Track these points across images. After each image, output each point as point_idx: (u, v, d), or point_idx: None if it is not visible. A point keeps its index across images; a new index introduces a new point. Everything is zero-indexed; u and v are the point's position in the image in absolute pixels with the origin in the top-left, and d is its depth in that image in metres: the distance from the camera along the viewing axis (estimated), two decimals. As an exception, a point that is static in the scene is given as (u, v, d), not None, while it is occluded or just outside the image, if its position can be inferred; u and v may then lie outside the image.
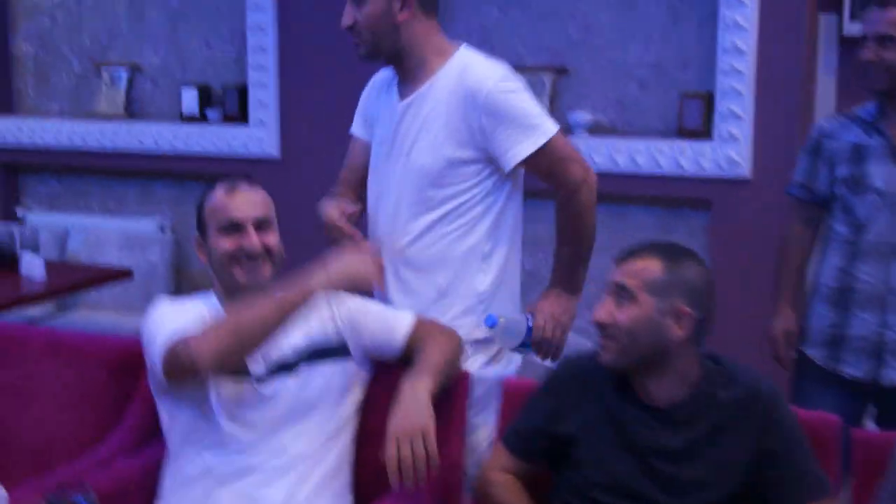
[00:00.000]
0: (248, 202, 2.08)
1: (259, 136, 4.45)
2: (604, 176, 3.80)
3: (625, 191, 3.86)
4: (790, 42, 3.53)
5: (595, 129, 3.90)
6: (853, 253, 2.66)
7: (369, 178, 2.41)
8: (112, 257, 4.58)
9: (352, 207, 2.42)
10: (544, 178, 2.31)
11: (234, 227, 2.05)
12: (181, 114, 4.64)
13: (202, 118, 4.60)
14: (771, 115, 3.58)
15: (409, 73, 2.29)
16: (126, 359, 2.35)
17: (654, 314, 1.85)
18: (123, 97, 4.81)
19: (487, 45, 4.04)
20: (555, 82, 3.97)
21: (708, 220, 3.78)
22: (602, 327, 1.89)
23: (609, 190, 3.83)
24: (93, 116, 4.86)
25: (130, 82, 4.82)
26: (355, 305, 2.16)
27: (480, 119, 2.21)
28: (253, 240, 2.05)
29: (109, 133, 4.74)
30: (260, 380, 2.03)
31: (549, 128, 2.25)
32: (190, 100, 4.61)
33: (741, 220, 3.68)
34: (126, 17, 4.81)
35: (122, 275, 4.07)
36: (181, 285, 4.74)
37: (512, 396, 2.12)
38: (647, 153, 3.75)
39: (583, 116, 3.89)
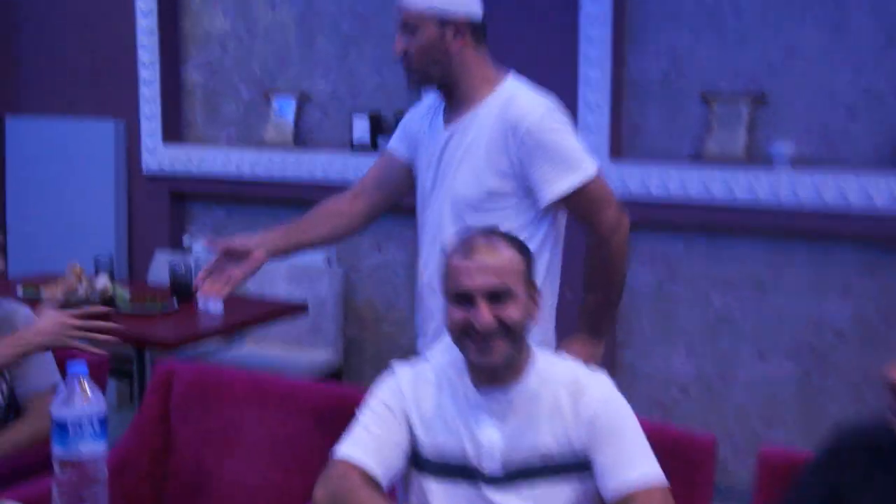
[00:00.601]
0: (482, 269, 1.82)
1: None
2: (808, 213, 3.59)
3: (831, 228, 3.57)
4: None
5: (798, 161, 3.63)
6: None
7: (417, 205, 2.41)
8: (280, 290, 4.51)
9: (242, 244, 2.40)
10: (580, 218, 2.28)
11: (465, 298, 1.83)
12: (352, 142, 4.55)
13: (373, 147, 4.50)
14: None
15: (457, 101, 2.30)
16: (333, 406, 2.22)
17: None
18: (292, 126, 4.75)
19: (676, 70, 3.84)
20: (752, 110, 3.71)
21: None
22: None
23: (814, 227, 3.60)
24: (261, 145, 4.82)
25: (299, 110, 4.76)
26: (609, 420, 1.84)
27: (520, 152, 2.20)
28: (484, 316, 1.80)
29: (277, 162, 4.68)
30: (494, 482, 1.82)
31: (588, 168, 2.22)
32: (361, 128, 4.51)
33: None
34: (296, 44, 4.76)
35: (297, 309, 3.98)
36: (349, 319, 4.64)
37: (772, 468, 1.88)
38: (858, 187, 3.45)
39: (784, 147, 3.62)
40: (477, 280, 1.81)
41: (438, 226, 2.32)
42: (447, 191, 2.30)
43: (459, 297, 1.83)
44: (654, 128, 3.95)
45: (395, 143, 2.49)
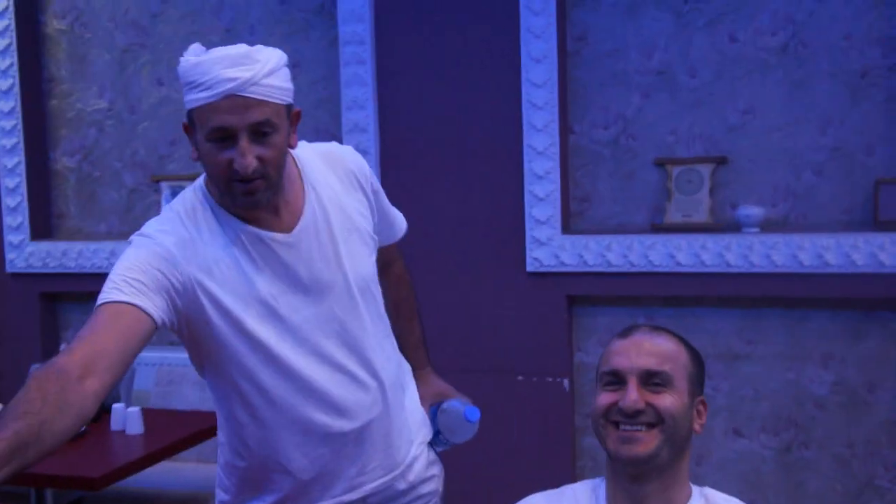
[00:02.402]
0: (639, 348, 1.63)
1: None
2: (785, 277, 3.43)
3: (808, 292, 3.41)
4: None
5: (766, 225, 3.46)
6: None
7: (263, 364, 1.85)
8: (189, 398, 3.98)
9: None
10: (390, 252, 2.16)
11: (616, 381, 1.63)
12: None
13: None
14: None
15: (276, 202, 1.85)
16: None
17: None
18: (187, 213, 4.25)
19: (627, 136, 3.63)
20: (713, 174, 3.53)
21: (910, 321, 3.36)
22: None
23: (792, 293, 3.43)
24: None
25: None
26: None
27: (373, 196, 2.02)
28: (631, 395, 1.59)
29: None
30: None
31: None
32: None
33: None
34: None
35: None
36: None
37: None
38: (837, 249, 3.30)
39: (752, 211, 3.44)
40: (634, 360, 1.62)
41: (355, 336, 1.93)
42: (342, 288, 1.91)
43: (610, 378, 1.63)
44: (606, 196, 3.71)
45: (142, 299, 1.72)
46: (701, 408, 1.68)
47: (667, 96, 3.60)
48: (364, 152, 3.86)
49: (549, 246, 3.65)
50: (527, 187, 3.66)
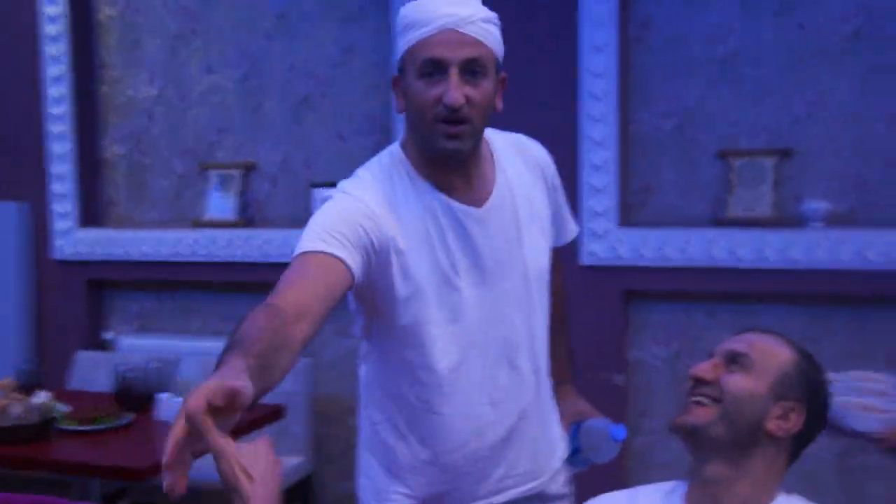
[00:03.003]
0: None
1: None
2: (852, 274, 3.31)
3: (876, 290, 3.28)
4: None
5: (833, 220, 3.34)
6: None
7: (434, 339, 1.81)
8: (236, 387, 3.92)
9: (239, 383, 1.19)
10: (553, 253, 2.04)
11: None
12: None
13: (337, 222, 4.00)
14: None
15: (467, 171, 1.83)
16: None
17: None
18: (235, 201, 4.21)
19: (690, 127, 3.52)
20: (777, 166, 3.41)
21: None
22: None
23: (858, 290, 3.30)
24: (199, 224, 4.25)
25: (244, 184, 4.22)
26: None
27: (554, 194, 1.99)
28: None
29: (222, 242, 4.13)
30: None
31: None
32: (323, 201, 4.00)
33: None
34: (238, 110, 4.23)
35: (273, 414, 3.42)
36: (315, 417, 4.09)
37: None
38: (907, 244, 3.18)
39: (818, 205, 3.32)
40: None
41: (525, 325, 1.89)
42: (521, 275, 1.87)
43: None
44: (667, 188, 3.61)
45: (345, 253, 1.68)
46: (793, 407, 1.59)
47: (731, 86, 3.49)
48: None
49: (605, 239, 3.55)
50: (584, 178, 3.56)
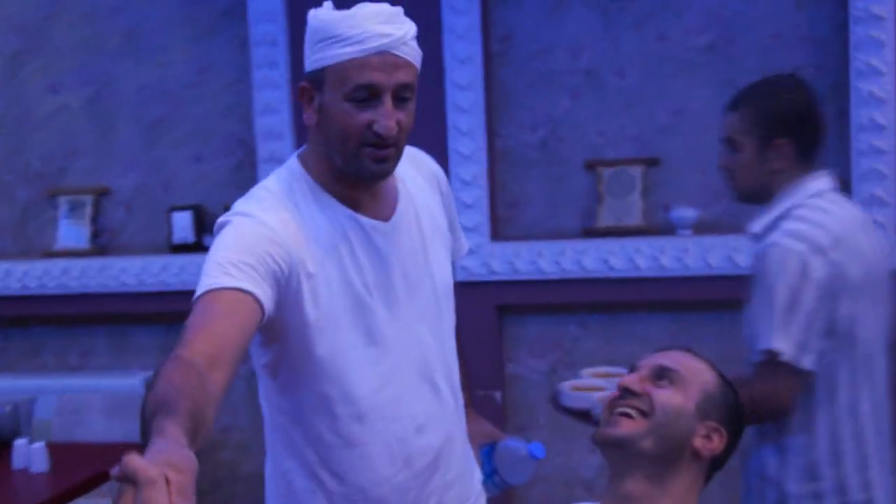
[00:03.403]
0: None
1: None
2: (721, 279, 3.37)
3: (749, 295, 3.34)
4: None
5: (700, 227, 3.39)
6: None
7: (353, 366, 1.70)
8: (95, 426, 3.71)
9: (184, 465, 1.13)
10: None
11: None
12: (171, 243, 3.86)
13: (198, 247, 3.84)
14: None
15: (374, 188, 1.74)
16: None
17: None
18: (88, 228, 3.98)
19: (556, 138, 3.52)
20: (645, 175, 3.45)
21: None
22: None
23: (727, 295, 3.36)
24: (47, 254, 4.01)
25: (96, 210, 4.00)
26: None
27: (449, 204, 1.93)
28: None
29: (74, 272, 3.90)
30: None
31: None
32: (182, 226, 3.84)
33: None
34: (87, 132, 4.01)
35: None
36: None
37: None
38: (772, 249, 3.25)
39: (686, 213, 3.37)
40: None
41: (436, 348, 1.79)
42: (429, 291, 1.78)
43: None
44: (536, 201, 3.60)
45: (254, 285, 1.54)
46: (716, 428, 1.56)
47: (595, 97, 3.51)
48: (279, 161, 3.67)
49: (477, 254, 3.51)
50: (454, 194, 3.51)
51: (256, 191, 1.70)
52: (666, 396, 1.52)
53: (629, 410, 1.52)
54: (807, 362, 1.97)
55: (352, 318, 1.68)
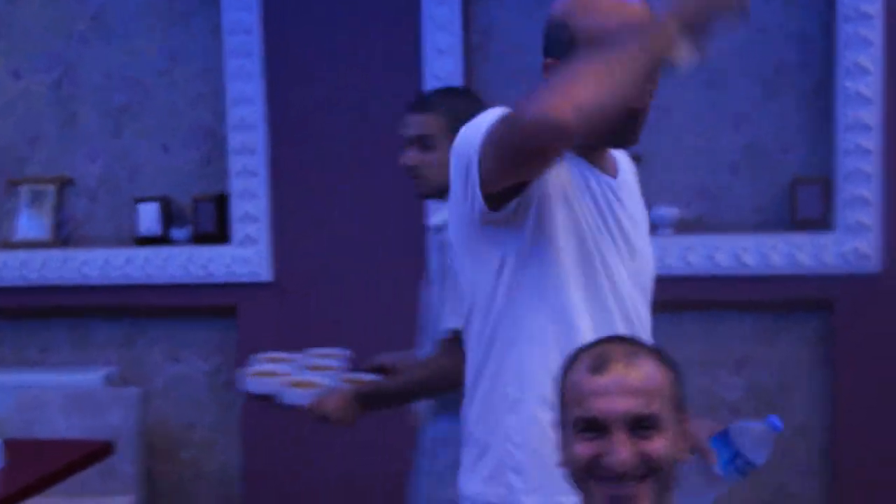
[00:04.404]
0: (619, 389, 1.35)
1: (245, 256, 3.62)
2: (701, 279, 3.31)
3: (724, 295, 3.30)
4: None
5: (681, 226, 3.33)
6: None
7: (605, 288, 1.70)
8: (57, 424, 3.58)
9: None
10: None
11: (596, 428, 1.35)
12: (136, 235, 3.74)
13: (165, 239, 3.72)
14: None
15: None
16: None
17: None
18: (50, 219, 3.85)
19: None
20: (625, 174, 3.38)
21: (826, 323, 3.28)
22: None
23: (705, 294, 3.31)
24: (7, 245, 3.87)
25: (59, 200, 3.87)
26: None
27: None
28: (623, 456, 1.33)
29: (34, 264, 3.77)
30: None
31: None
32: (149, 217, 3.72)
33: (869, 321, 3.19)
34: (51, 120, 3.87)
35: (104, 452, 3.10)
36: (156, 459, 3.79)
37: None
38: (755, 250, 3.20)
39: (667, 212, 3.31)
40: (614, 404, 1.34)
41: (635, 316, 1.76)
42: (643, 255, 1.80)
43: (586, 426, 1.35)
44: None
45: None
46: (685, 427, 1.45)
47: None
48: (252, 151, 3.58)
49: (453, 251, 3.43)
50: (429, 189, 3.43)
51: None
52: (660, 448, 1.36)
53: (633, 482, 1.35)
54: None
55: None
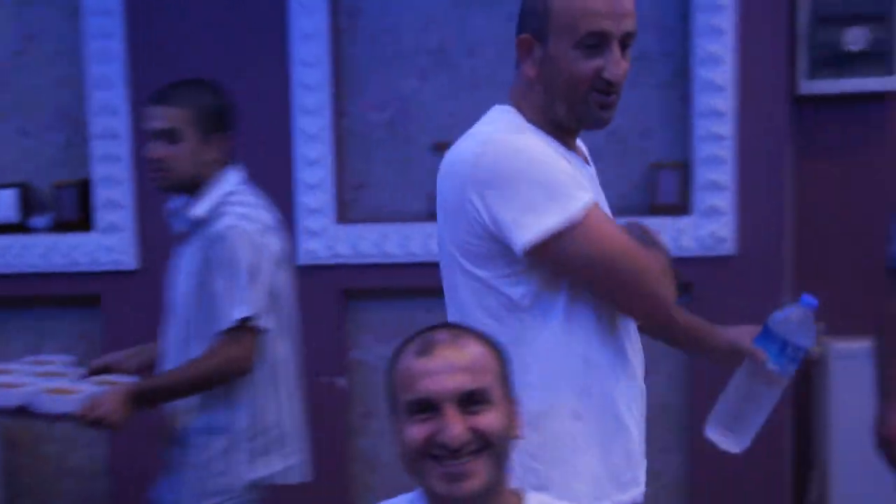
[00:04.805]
0: (447, 367, 1.39)
1: (109, 243, 3.53)
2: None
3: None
4: (773, 102, 3.23)
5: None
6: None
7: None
8: None
9: None
10: None
11: (426, 408, 1.39)
12: (-8, 223, 3.62)
13: (23, 228, 3.60)
14: (755, 184, 3.24)
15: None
16: None
17: None
18: None
19: (405, 120, 3.47)
20: (492, 159, 3.42)
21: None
22: None
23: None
24: None
25: None
26: None
27: None
28: (456, 431, 1.37)
29: None
30: None
31: None
32: (5, 204, 3.59)
33: (726, 302, 3.30)
34: None
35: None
36: (16, 454, 3.67)
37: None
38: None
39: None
40: (443, 382, 1.36)
41: None
42: None
43: (418, 408, 1.39)
44: (382, 183, 3.52)
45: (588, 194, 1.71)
46: (514, 408, 1.49)
47: (445, 77, 3.46)
48: (115, 136, 3.50)
49: (322, 236, 3.42)
50: (297, 174, 3.41)
51: (486, 132, 1.72)
52: (493, 422, 1.39)
53: (470, 458, 1.38)
54: (267, 323, 2.33)
55: None
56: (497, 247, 1.62)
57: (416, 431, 1.38)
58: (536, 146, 1.63)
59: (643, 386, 1.84)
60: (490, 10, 3.42)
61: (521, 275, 1.62)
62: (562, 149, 1.71)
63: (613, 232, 1.62)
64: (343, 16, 3.48)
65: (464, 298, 1.69)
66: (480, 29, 3.43)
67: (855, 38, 3.23)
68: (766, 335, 1.79)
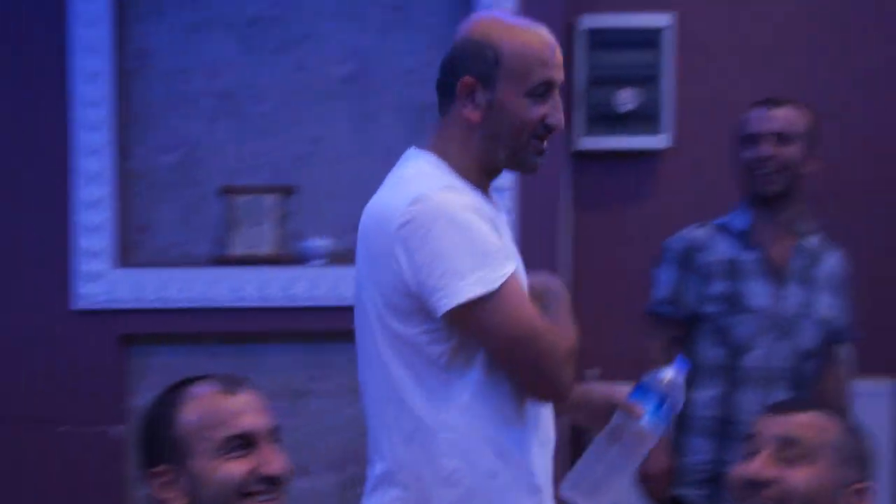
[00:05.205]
0: (256, 405, 1.50)
1: None
2: (350, 309, 3.37)
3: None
4: (552, 156, 3.35)
5: (335, 258, 3.40)
6: (732, 380, 2.49)
7: None
8: None
9: None
10: None
11: (244, 444, 1.44)
12: None
13: None
14: (535, 233, 3.36)
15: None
16: None
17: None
18: None
19: (191, 163, 3.45)
20: (280, 204, 3.42)
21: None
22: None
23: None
24: None
25: None
26: None
27: None
28: (279, 460, 1.48)
29: None
30: None
31: None
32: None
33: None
34: None
35: None
36: None
37: None
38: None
39: (318, 243, 3.38)
40: (261, 417, 1.46)
41: None
42: None
43: (238, 444, 1.42)
44: (167, 227, 3.46)
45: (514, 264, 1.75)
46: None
47: (232, 122, 3.44)
48: None
49: (101, 281, 3.32)
50: (76, 216, 3.31)
51: (416, 184, 1.70)
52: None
53: (283, 493, 1.43)
54: None
55: None
56: (418, 304, 1.64)
57: (238, 466, 1.37)
58: (466, 208, 1.66)
59: (553, 447, 1.84)
60: (278, 57, 3.44)
61: (441, 332, 1.65)
62: (482, 198, 1.76)
63: (524, 309, 1.63)
64: (130, 57, 3.42)
65: (382, 351, 1.71)
66: (268, 75, 3.44)
67: (626, 100, 3.43)
68: (643, 391, 1.82)
